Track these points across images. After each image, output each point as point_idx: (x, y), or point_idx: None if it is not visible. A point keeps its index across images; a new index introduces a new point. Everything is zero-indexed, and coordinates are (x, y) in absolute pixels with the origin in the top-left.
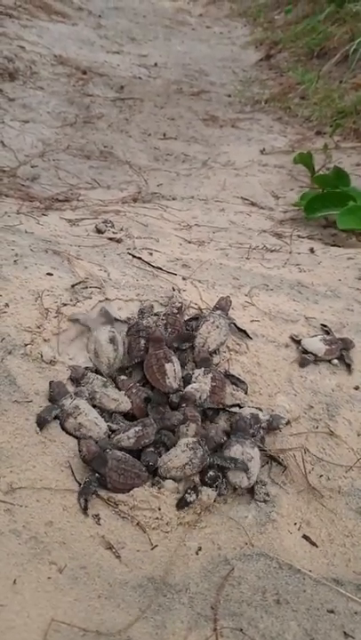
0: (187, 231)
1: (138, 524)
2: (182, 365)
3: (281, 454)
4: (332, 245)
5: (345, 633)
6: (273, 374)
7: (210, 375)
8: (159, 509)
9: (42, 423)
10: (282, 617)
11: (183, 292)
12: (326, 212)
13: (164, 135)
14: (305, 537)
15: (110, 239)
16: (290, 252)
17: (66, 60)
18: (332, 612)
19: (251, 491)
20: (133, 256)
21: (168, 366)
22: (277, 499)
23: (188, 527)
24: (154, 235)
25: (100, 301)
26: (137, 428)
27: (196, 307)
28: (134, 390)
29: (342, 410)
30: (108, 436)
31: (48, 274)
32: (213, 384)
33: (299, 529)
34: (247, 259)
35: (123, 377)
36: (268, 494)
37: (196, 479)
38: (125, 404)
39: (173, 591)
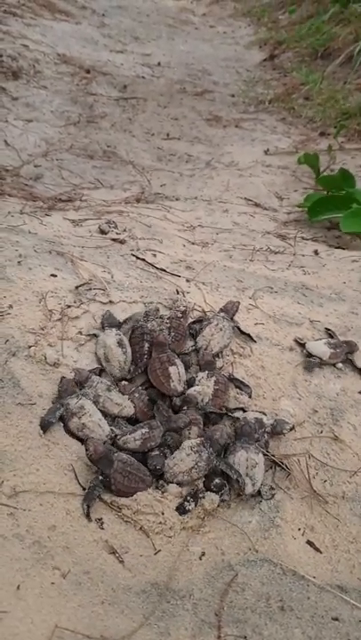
0: (190, 232)
1: (141, 528)
2: (186, 368)
3: (285, 459)
4: (337, 248)
5: None
6: (277, 378)
7: (213, 378)
8: (162, 514)
9: (45, 426)
10: (286, 624)
11: (187, 295)
12: (330, 214)
13: (168, 135)
14: (309, 543)
15: (114, 240)
16: (294, 254)
17: (69, 58)
18: (336, 619)
19: (255, 494)
20: (137, 257)
21: (172, 369)
22: (281, 504)
23: (191, 532)
24: (157, 236)
25: (104, 303)
26: (143, 430)
27: (200, 309)
28: (137, 394)
29: (347, 414)
30: (111, 440)
31: (52, 275)
32: (216, 387)
33: (303, 534)
34: (251, 260)
35: (124, 382)
36: (273, 488)
37: (200, 484)
38: (128, 409)
39: (177, 597)
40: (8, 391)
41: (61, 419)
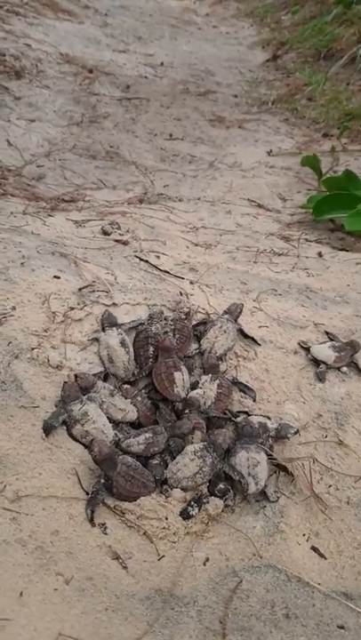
0: (193, 234)
1: (145, 533)
2: (190, 372)
3: (289, 463)
4: (341, 250)
5: None
6: (281, 381)
7: (216, 382)
8: (166, 519)
9: (48, 429)
10: (291, 632)
11: (191, 297)
12: (335, 214)
13: (171, 135)
14: (313, 548)
15: (117, 241)
16: (298, 256)
17: (72, 58)
18: (342, 627)
19: (261, 496)
20: (140, 259)
21: (177, 375)
22: (286, 509)
23: (195, 537)
24: (160, 237)
25: (107, 306)
26: (147, 435)
27: (203, 311)
28: (139, 398)
29: (352, 419)
30: (115, 445)
31: (55, 277)
32: (219, 391)
33: (307, 540)
34: (255, 262)
35: (126, 385)
36: (277, 492)
37: (204, 489)
38: (132, 414)
39: (181, 604)
40: (11, 394)
41: (65, 424)
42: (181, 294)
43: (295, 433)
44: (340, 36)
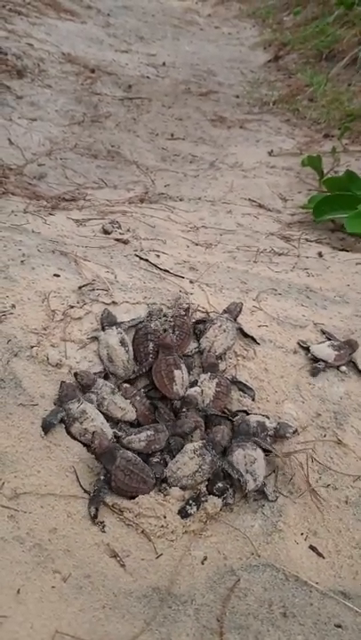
0: (194, 233)
1: (143, 531)
2: (189, 371)
3: (287, 459)
4: (341, 250)
5: None
6: (281, 381)
7: (215, 380)
8: (164, 517)
9: (47, 427)
10: (289, 631)
11: (191, 296)
12: (335, 214)
13: (172, 135)
14: (312, 547)
15: (117, 240)
16: (298, 256)
17: (74, 58)
18: (339, 626)
19: (260, 495)
20: (141, 258)
21: (177, 373)
22: (284, 508)
23: (193, 536)
24: (161, 236)
25: (107, 304)
26: (149, 432)
27: (203, 310)
28: (138, 397)
29: (351, 418)
30: (115, 443)
31: (55, 275)
32: (218, 389)
33: (305, 539)
34: (255, 262)
35: (126, 385)
36: (276, 489)
37: (203, 488)
38: (131, 414)
39: (179, 602)
40: (10, 392)
41: (63, 422)
42: (181, 292)
43: (294, 432)
44: (342, 37)
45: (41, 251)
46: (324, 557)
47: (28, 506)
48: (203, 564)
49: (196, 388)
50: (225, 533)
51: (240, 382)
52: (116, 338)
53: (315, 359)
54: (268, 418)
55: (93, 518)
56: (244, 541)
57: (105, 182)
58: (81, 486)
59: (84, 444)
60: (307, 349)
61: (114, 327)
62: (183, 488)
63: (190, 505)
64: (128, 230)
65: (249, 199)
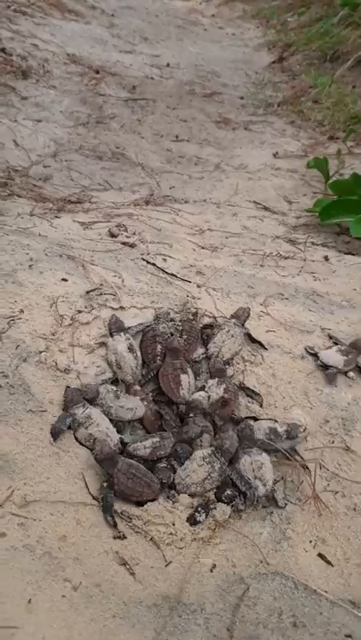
0: (200, 236)
1: (152, 539)
2: (196, 376)
3: (295, 466)
4: (347, 253)
5: None
6: (288, 386)
7: (223, 386)
8: (173, 524)
9: (56, 434)
10: None
11: (198, 301)
12: (341, 218)
13: (177, 137)
14: (320, 555)
15: (124, 244)
16: (304, 260)
17: (78, 58)
18: (349, 636)
19: (270, 502)
20: (147, 262)
21: (183, 377)
22: (292, 515)
23: (202, 543)
24: (167, 239)
25: (115, 309)
26: (154, 439)
27: (210, 315)
28: (145, 402)
29: (359, 424)
30: (121, 448)
31: (63, 279)
32: (225, 395)
33: (314, 547)
34: (261, 266)
35: (136, 387)
36: (285, 496)
37: (211, 495)
38: (140, 409)
39: (188, 611)
40: (19, 397)
41: (71, 428)
42: (188, 297)
43: (303, 430)
44: (347, 38)
45: (48, 255)
46: (333, 565)
47: (37, 513)
48: (212, 571)
49: (201, 393)
50: (233, 541)
51: (248, 388)
52: (124, 344)
53: (324, 366)
54: (276, 422)
55: (114, 526)
56: (253, 549)
57: (110, 184)
58: (90, 493)
59: (91, 449)
60: (315, 356)
61: (122, 333)
62: (192, 495)
63: (199, 512)
64: (134, 233)
65: (254, 202)
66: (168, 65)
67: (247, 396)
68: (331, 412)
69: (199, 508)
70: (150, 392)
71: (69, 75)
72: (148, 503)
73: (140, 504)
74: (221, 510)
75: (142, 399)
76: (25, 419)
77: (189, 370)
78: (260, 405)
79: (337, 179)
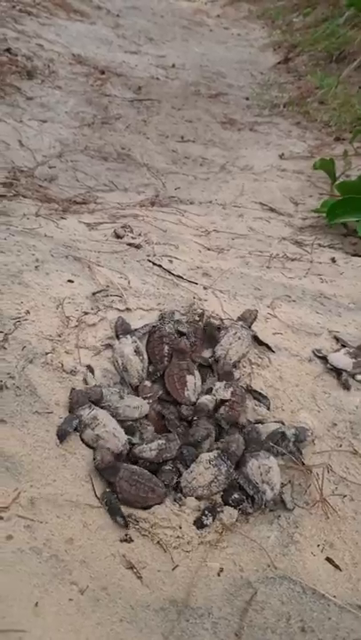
0: (206, 237)
1: (158, 542)
2: (204, 380)
3: (303, 469)
4: (354, 255)
5: None
6: (296, 389)
7: (230, 389)
8: (180, 528)
9: (62, 435)
10: None
11: (205, 303)
12: (348, 218)
13: (182, 138)
14: (328, 559)
15: (129, 245)
16: (311, 262)
17: (84, 59)
18: None
19: (277, 505)
20: (153, 263)
21: (189, 378)
22: (300, 519)
23: (209, 547)
24: (173, 241)
25: (121, 311)
26: (160, 442)
27: (217, 317)
28: (151, 401)
29: None
30: (128, 449)
31: (69, 281)
32: (233, 399)
33: (322, 551)
34: (268, 268)
35: (147, 382)
36: (293, 499)
37: (218, 498)
38: (145, 406)
39: (196, 615)
40: (25, 399)
41: (77, 430)
42: (194, 299)
43: (311, 434)
44: (353, 38)
45: (54, 256)
46: (341, 570)
47: (44, 516)
48: (219, 575)
49: (207, 396)
50: (241, 544)
51: (255, 391)
52: (130, 347)
53: (334, 369)
54: (283, 424)
55: (126, 526)
56: (261, 553)
57: (115, 185)
58: (96, 495)
59: (95, 448)
60: (324, 359)
61: (128, 336)
62: (199, 498)
63: (206, 515)
64: (140, 234)
65: (260, 203)
66: (173, 65)
67: (254, 399)
68: (339, 416)
69: (206, 512)
70: (159, 390)
71: (75, 75)
72: (155, 506)
73: (144, 508)
74: (228, 513)
75: (148, 397)
76: (31, 420)
77: (196, 372)
78: (268, 409)
79: (343, 180)
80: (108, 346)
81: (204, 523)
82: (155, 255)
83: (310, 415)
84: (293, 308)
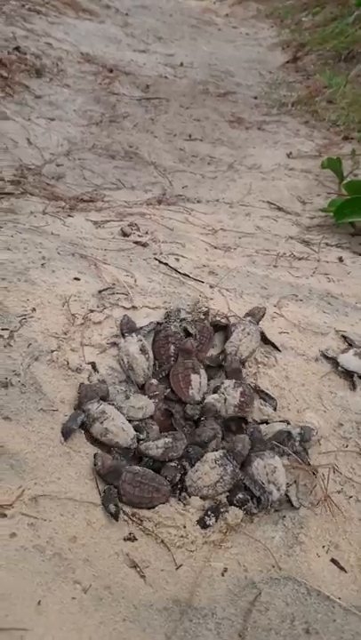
0: (212, 236)
1: (162, 541)
2: (210, 378)
3: (308, 470)
4: None
5: None
6: (302, 389)
7: (240, 389)
8: (184, 527)
9: (67, 433)
10: None
11: (211, 301)
12: (355, 217)
13: (190, 136)
14: (333, 561)
15: (136, 243)
16: (318, 261)
17: (92, 57)
18: None
19: (282, 505)
20: (160, 262)
21: (194, 377)
22: (305, 520)
23: (213, 546)
24: (179, 239)
25: (127, 309)
26: (167, 440)
27: (223, 315)
28: (157, 400)
29: None
30: (135, 445)
31: (75, 278)
32: (242, 399)
33: (327, 552)
34: (275, 266)
35: (153, 380)
36: (298, 499)
37: (223, 498)
38: (150, 407)
39: (199, 615)
40: (30, 396)
41: (83, 426)
42: (200, 297)
43: (316, 434)
44: None
45: (61, 253)
46: (346, 571)
47: (47, 513)
48: (223, 575)
49: (215, 396)
50: (245, 545)
51: (262, 391)
52: (136, 346)
53: (346, 371)
54: (288, 424)
55: (115, 516)
56: (265, 553)
57: (123, 183)
58: (100, 494)
59: (106, 446)
60: (333, 360)
61: (133, 334)
62: (203, 498)
63: (209, 516)
64: (147, 233)
65: (268, 202)
66: (182, 64)
67: (260, 398)
68: (345, 416)
69: (209, 512)
70: (164, 389)
71: (83, 73)
72: (160, 505)
73: (150, 508)
74: (233, 514)
75: (154, 396)
76: (36, 418)
77: (202, 371)
78: (274, 409)
79: (351, 179)
80: (114, 344)
81: (207, 523)
82: (161, 253)
83: (316, 415)
84: (300, 308)
